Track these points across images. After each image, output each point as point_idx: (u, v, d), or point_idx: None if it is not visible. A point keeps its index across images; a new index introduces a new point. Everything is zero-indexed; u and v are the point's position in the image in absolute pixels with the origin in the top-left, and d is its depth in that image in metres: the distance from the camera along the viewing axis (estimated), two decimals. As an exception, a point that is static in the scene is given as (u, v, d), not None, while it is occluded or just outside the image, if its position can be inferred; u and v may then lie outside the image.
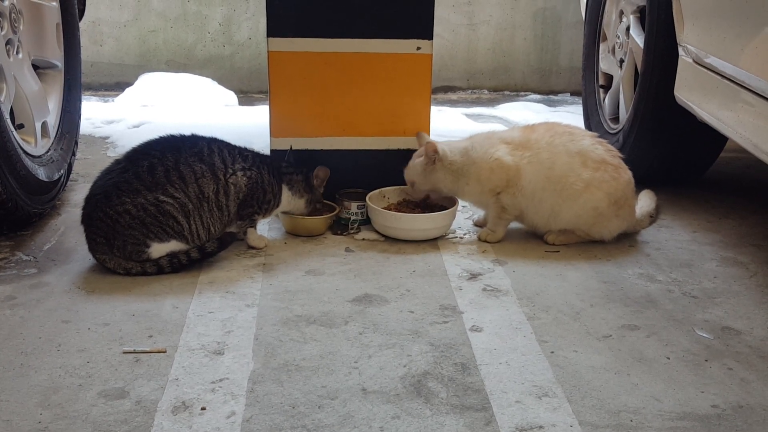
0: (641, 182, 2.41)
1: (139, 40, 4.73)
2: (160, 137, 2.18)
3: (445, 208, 2.44)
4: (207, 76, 4.57)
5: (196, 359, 1.66)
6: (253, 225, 2.28)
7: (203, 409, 1.48)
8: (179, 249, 2.09)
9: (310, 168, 2.39)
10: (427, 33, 2.46)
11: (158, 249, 2.06)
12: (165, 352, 1.68)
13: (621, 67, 3.09)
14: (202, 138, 2.21)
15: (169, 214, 2.04)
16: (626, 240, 2.40)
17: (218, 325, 1.81)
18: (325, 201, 2.48)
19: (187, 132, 2.22)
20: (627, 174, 2.33)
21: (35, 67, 2.50)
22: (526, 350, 1.73)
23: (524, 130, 2.38)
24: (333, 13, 2.41)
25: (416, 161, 2.38)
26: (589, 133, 2.40)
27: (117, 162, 2.12)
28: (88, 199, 2.08)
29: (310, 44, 2.42)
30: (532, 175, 2.28)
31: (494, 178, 2.30)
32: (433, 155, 2.33)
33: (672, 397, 1.56)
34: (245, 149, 2.29)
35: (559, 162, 2.27)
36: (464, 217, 2.59)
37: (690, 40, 2.44)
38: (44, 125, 2.51)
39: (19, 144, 2.21)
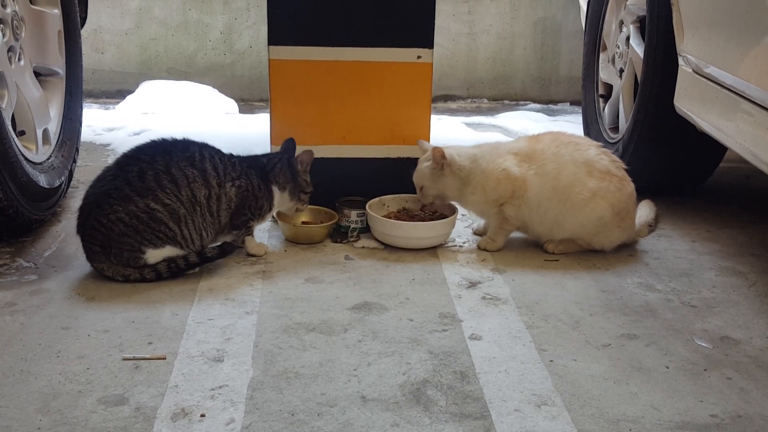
0: (640, 192, 2.41)
1: (141, 47, 4.74)
2: (151, 141, 2.16)
3: (445, 217, 2.44)
4: (208, 84, 4.58)
5: (196, 366, 1.66)
6: (250, 232, 2.27)
7: (202, 416, 1.48)
8: (176, 254, 2.09)
9: (292, 153, 2.35)
10: (427, 42, 2.47)
11: (154, 255, 2.06)
12: (165, 358, 1.68)
13: (621, 76, 3.10)
14: (194, 143, 2.19)
15: (161, 221, 2.03)
16: (625, 249, 2.40)
17: (218, 332, 1.81)
18: (324, 209, 2.49)
19: (180, 137, 2.20)
20: (630, 186, 2.33)
21: (37, 74, 2.51)
22: (525, 359, 1.73)
23: (530, 140, 2.39)
24: (334, 21, 2.42)
25: (424, 165, 2.38)
26: (595, 143, 2.39)
27: (107, 169, 2.11)
28: (82, 209, 2.08)
29: (310, 53, 2.43)
30: (539, 186, 2.28)
31: (500, 188, 2.30)
32: (441, 160, 2.33)
33: (671, 407, 1.56)
34: (232, 156, 2.25)
35: (565, 172, 2.27)
36: (464, 225, 2.60)
37: (690, 50, 2.45)
38: (45, 132, 2.51)
39: (20, 151, 2.22)
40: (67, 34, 2.71)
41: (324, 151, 2.50)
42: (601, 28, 3.33)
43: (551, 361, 1.72)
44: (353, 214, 2.45)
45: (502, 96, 5.11)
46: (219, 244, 2.18)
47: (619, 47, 3.12)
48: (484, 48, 5.01)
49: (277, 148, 2.44)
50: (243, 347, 1.74)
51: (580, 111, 3.59)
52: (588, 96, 3.44)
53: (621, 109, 3.07)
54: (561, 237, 2.35)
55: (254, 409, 1.51)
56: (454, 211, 2.44)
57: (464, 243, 2.46)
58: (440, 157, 2.32)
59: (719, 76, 2.24)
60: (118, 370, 1.64)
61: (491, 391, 1.60)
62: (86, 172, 3.00)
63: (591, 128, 3.36)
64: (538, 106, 5.01)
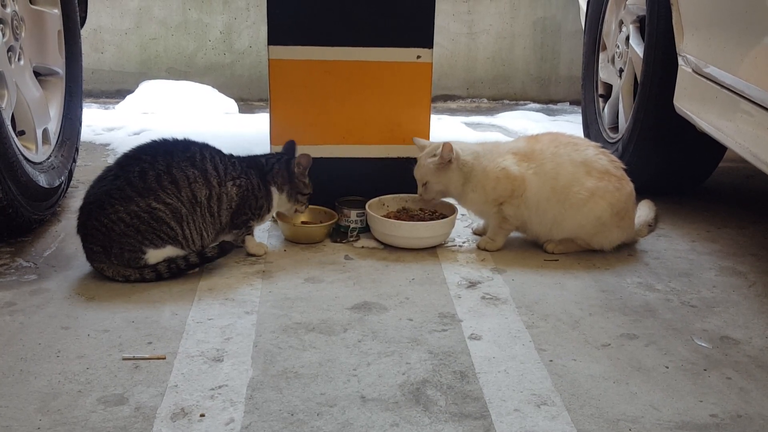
0: (640, 191, 2.42)
1: (140, 47, 4.74)
2: (152, 141, 2.16)
3: (445, 217, 2.44)
4: (207, 84, 4.58)
5: (196, 366, 1.66)
6: (250, 232, 2.27)
7: (202, 415, 1.48)
8: (176, 254, 2.09)
9: (292, 155, 2.35)
10: (427, 42, 2.47)
11: (155, 255, 2.06)
12: (164, 358, 1.68)
13: (620, 76, 3.10)
14: (194, 143, 2.19)
15: (162, 220, 2.03)
16: (625, 249, 2.40)
17: (217, 332, 1.81)
18: (324, 208, 2.49)
19: (180, 137, 2.20)
20: (629, 186, 2.33)
21: (37, 74, 2.51)
22: (524, 358, 1.73)
23: (529, 140, 2.39)
24: (333, 21, 2.42)
25: (429, 161, 2.36)
26: (593, 143, 2.39)
27: (108, 169, 2.11)
28: (82, 209, 2.08)
29: (310, 52, 2.43)
30: (538, 186, 2.28)
31: (499, 187, 2.30)
32: (449, 155, 2.32)
33: (671, 407, 1.56)
34: (232, 156, 2.26)
35: (563, 172, 2.27)
36: (463, 225, 2.60)
37: (689, 49, 2.45)
38: (45, 132, 2.51)
39: (20, 150, 2.22)
40: (67, 34, 2.71)
41: (324, 151, 2.50)
42: (601, 28, 3.33)
43: (551, 360, 1.73)
44: (353, 214, 2.45)
45: (501, 96, 5.11)
46: (218, 243, 2.18)
47: (618, 47, 3.12)
48: (483, 48, 5.01)
49: (277, 148, 2.45)
50: (243, 347, 1.75)
51: (580, 111, 3.59)
52: (588, 96, 3.44)
53: (621, 108, 3.07)
54: (560, 237, 2.35)
55: (254, 409, 1.51)
56: (453, 210, 2.44)
57: (464, 243, 2.46)
58: (449, 152, 2.32)
59: (719, 76, 2.24)
60: (118, 369, 1.64)
61: (491, 390, 1.60)
62: (86, 172, 3.00)
63: (591, 128, 3.36)
64: (537, 105, 5.01)
